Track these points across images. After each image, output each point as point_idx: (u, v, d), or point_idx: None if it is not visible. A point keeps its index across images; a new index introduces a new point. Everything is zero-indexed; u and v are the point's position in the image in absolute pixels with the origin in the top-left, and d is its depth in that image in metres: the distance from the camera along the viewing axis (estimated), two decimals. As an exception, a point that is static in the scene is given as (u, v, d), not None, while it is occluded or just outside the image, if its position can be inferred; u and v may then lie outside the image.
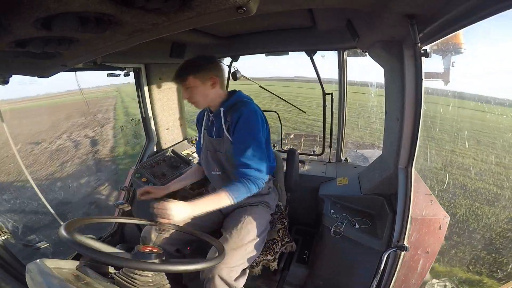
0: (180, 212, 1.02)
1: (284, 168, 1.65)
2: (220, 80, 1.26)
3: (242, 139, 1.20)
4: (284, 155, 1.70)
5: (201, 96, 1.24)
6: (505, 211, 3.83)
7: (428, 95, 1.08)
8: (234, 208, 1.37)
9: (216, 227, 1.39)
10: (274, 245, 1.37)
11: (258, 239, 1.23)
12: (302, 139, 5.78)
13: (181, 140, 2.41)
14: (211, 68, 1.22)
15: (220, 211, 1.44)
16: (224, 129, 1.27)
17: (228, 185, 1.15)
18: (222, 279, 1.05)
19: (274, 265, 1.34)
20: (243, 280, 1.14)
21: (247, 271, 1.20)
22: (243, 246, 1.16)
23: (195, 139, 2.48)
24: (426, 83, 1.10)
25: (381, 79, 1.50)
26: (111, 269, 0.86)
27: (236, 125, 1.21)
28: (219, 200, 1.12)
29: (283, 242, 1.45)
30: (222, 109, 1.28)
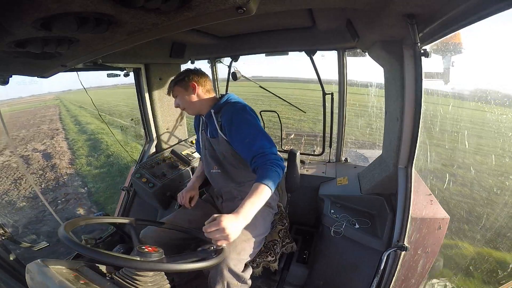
0: (236, 228, 0.93)
1: (285, 168, 1.65)
2: (201, 86, 1.35)
3: (244, 135, 1.20)
4: (285, 155, 1.70)
5: (187, 102, 1.35)
6: (505, 210, 3.82)
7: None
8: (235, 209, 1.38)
9: None
10: (275, 246, 1.37)
11: (260, 237, 1.27)
12: (303, 139, 5.79)
13: (181, 140, 2.41)
14: (191, 75, 1.34)
15: (220, 212, 1.45)
16: (218, 128, 1.31)
17: (258, 178, 1.09)
18: (230, 270, 1.06)
19: (274, 266, 1.34)
20: (249, 273, 1.16)
21: (250, 265, 1.21)
22: (251, 240, 1.19)
23: (195, 139, 2.49)
24: (426, 83, 1.10)
25: (381, 79, 1.50)
26: (111, 269, 0.86)
27: (230, 125, 1.23)
28: (261, 194, 1.04)
29: (283, 243, 1.45)
30: (212, 110, 1.33)
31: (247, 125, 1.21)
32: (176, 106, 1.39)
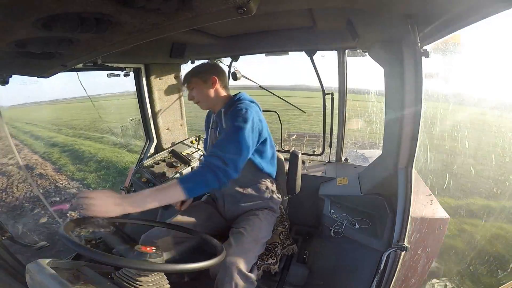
0: (105, 204, 0.85)
1: (286, 170, 1.65)
2: (221, 81, 1.33)
3: (225, 131, 1.23)
4: (286, 156, 1.70)
5: (204, 96, 1.32)
6: (505, 210, 3.82)
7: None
8: (239, 214, 1.39)
9: (216, 232, 1.38)
10: (276, 249, 1.36)
11: (265, 240, 1.29)
12: (305, 140, 5.80)
13: (181, 140, 2.41)
14: (211, 69, 1.34)
15: (223, 217, 1.45)
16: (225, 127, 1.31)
17: (184, 176, 1.03)
18: (240, 271, 1.05)
19: (275, 268, 1.33)
20: (255, 274, 1.16)
21: (256, 268, 1.21)
22: (258, 241, 1.21)
23: (195, 139, 2.49)
24: (426, 83, 1.10)
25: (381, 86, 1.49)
26: (110, 269, 0.86)
27: (227, 121, 1.26)
28: (167, 192, 0.97)
29: (284, 245, 1.44)
30: (222, 109, 1.33)
31: (234, 122, 1.17)
32: (190, 99, 1.36)
